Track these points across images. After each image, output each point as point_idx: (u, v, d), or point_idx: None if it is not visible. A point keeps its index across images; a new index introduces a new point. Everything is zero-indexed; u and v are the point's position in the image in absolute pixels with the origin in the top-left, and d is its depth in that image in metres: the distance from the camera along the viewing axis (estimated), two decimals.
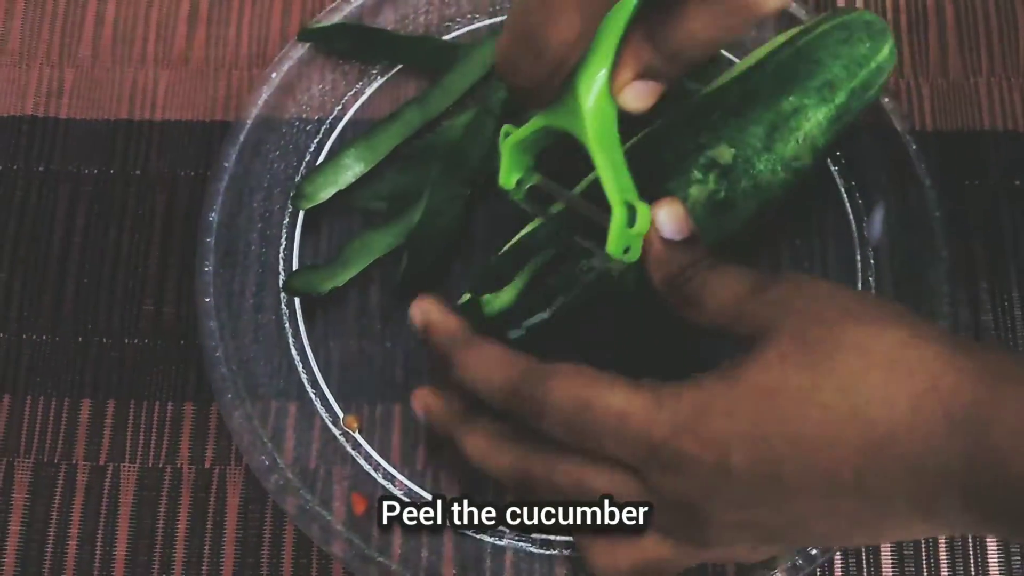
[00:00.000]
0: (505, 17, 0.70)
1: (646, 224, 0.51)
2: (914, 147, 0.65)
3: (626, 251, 0.52)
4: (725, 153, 0.58)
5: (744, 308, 0.48)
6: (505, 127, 0.55)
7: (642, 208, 0.51)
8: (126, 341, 0.66)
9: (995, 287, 0.66)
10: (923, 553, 0.61)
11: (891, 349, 0.44)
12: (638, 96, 0.51)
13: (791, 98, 0.60)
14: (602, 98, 0.50)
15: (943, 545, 0.61)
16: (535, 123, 0.53)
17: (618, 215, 0.50)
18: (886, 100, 0.66)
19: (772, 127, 0.59)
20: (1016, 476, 0.40)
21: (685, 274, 0.51)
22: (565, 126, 0.51)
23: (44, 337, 0.66)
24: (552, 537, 0.60)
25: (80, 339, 0.66)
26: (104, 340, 0.66)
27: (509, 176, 0.56)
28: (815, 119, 0.60)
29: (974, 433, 0.41)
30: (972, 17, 0.74)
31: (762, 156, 0.59)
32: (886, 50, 0.63)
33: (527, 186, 0.57)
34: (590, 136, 0.50)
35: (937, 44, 0.73)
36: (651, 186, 0.54)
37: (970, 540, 0.62)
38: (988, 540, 0.62)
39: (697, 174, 0.58)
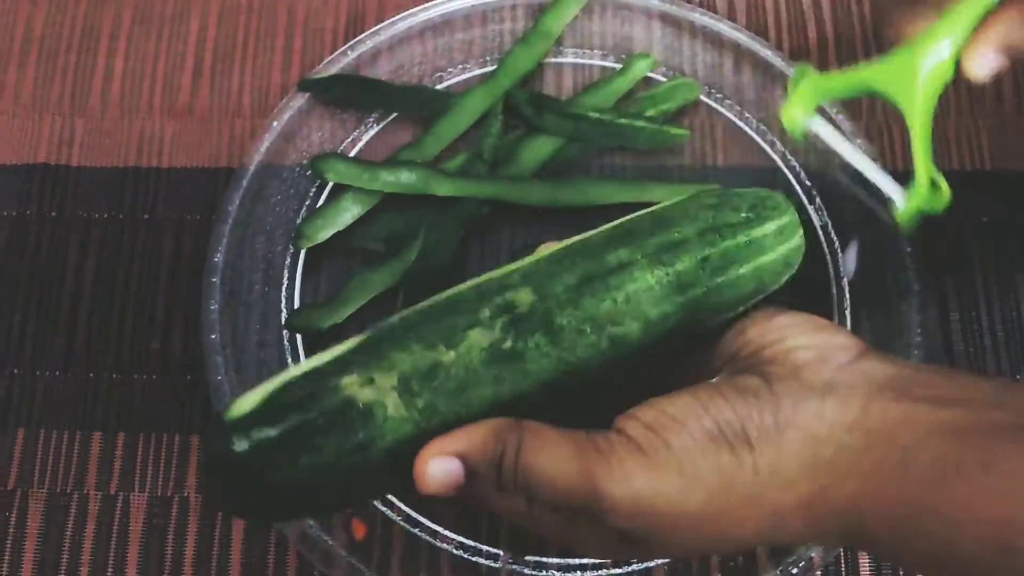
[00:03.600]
0: (496, 67, 0.73)
1: (939, 208, 0.55)
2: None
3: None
4: (523, 297, 0.47)
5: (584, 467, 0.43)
6: (801, 68, 0.58)
7: (944, 187, 0.54)
8: (135, 377, 0.68)
9: (964, 318, 0.69)
10: None
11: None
12: (984, 64, 0.53)
13: (620, 251, 0.49)
14: (939, 68, 0.52)
15: None
16: (851, 76, 0.55)
17: (922, 190, 0.54)
18: (859, 141, 0.69)
19: (585, 278, 0.48)
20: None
21: (500, 482, 0.44)
22: (886, 89, 0.53)
23: (57, 373, 0.69)
24: (546, 560, 0.62)
25: (91, 375, 0.68)
26: (114, 376, 0.68)
27: (793, 113, 0.58)
28: (644, 281, 0.48)
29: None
30: None
31: (565, 309, 0.47)
32: (786, 230, 0.52)
33: (804, 127, 0.59)
34: (918, 104, 0.52)
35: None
36: (435, 319, 0.47)
37: None
38: None
39: (485, 314, 0.47)
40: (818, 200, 0.70)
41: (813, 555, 0.60)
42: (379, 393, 0.45)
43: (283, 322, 0.68)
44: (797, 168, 0.72)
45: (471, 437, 0.44)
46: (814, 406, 0.42)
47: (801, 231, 0.53)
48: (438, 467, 0.43)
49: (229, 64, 0.77)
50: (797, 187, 0.71)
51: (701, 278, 0.49)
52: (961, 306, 0.70)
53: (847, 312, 0.68)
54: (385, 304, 0.68)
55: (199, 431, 0.67)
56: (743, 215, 0.51)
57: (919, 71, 0.51)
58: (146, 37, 0.78)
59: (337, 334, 0.67)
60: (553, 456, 0.43)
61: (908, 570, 0.44)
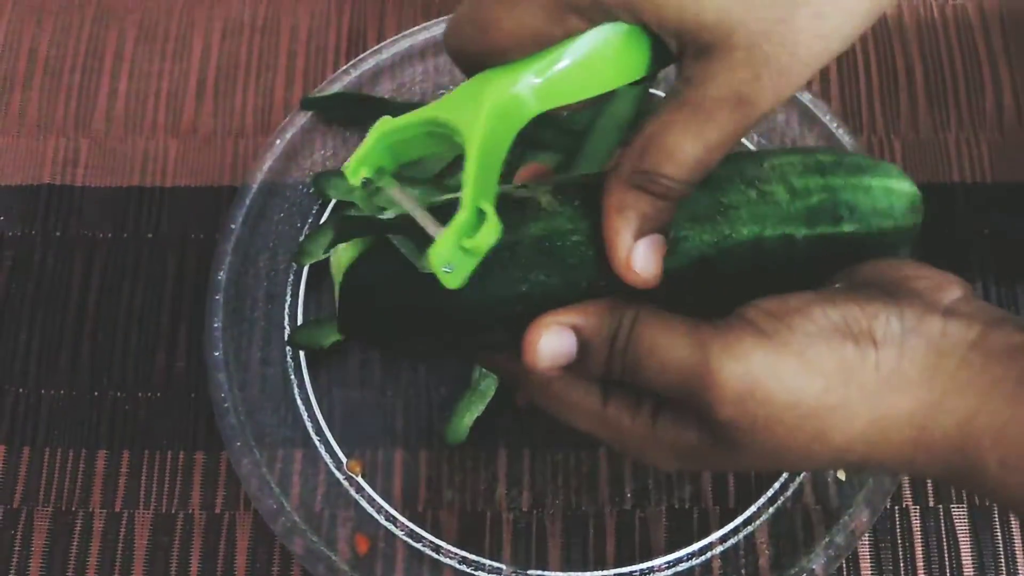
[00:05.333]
0: None
1: (488, 241, 0.42)
2: None
3: (447, 271, 0.41)
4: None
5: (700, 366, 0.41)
6: (385, 117, 0.46)
7: (493, 221, 0.42)
8: (139, 394, 0.69)
9: None
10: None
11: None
12: (650, 259, 0.44)
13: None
14: (518, 100, 0.44)
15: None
16: (421, 113, 0.45)
17: (462, 217, 0.41)
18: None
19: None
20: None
21: (608, 362, 0.43)
22: (450, 119, 0.44)
23: (62, 392, 0.69)
24: (547, 574, 0.63)
25: (96, 393, 0.69)
26: (119, 394, 0.69)
27: (357, 168, 0.46)
28: (787, 158, 0.50)
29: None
30: (940, 76, 0.78)
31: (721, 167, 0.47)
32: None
33: (372, 188, 0.47)
34: (479, 129, 0.42)
35: (908, 102, 0.77)
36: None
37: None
38: None
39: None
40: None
41: (815, 567, 0.60)
42: (530, 191, 0.46)
43: (286, 339, 0.68)
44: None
45: (587, 309, 0.43)
46: (938, 323, 0.41)
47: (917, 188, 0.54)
48: (552, 339, 0.43)
49: (232, 83, 0.78)
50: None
51: (838, 170, 0.50)
52: None
53: None
54: None
55: (203, 448, 0.67)
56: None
57: (489, 93, 0.43)
58: (150, 57, 0.79)
59: (339, 351, 0.68)
60: (668, 334, 0.41)
61: (1013, 506, 0.42)
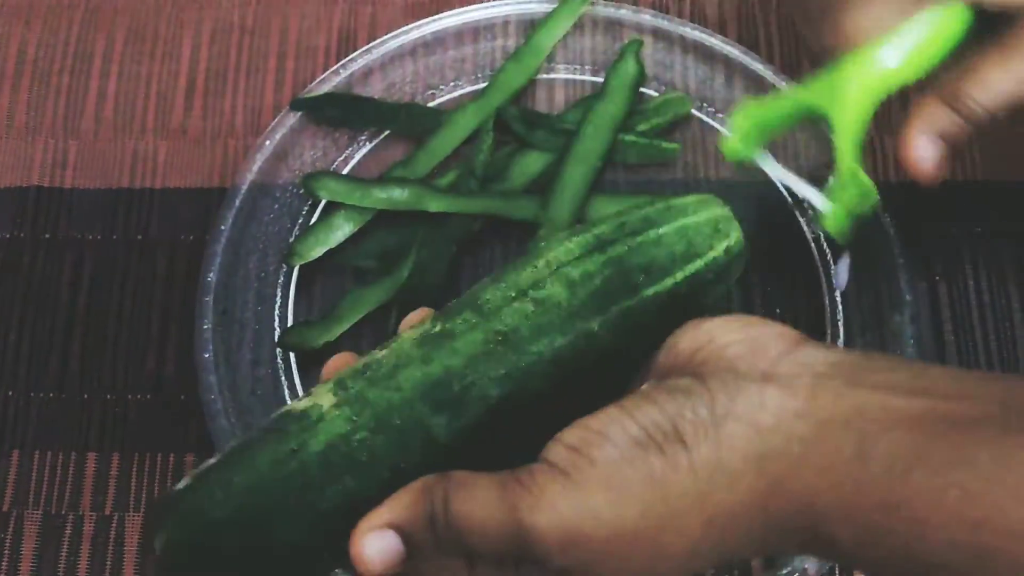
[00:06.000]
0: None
1: (870, 202, 0.57)
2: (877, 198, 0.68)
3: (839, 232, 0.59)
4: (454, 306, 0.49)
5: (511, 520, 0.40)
6: (749, 101, 0.60)
7: (869, 187, 0.56)
8: (129, 397, 0.68)
9: (958, 329, 0.69)
10: None
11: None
12: (930, 154, 0.55)
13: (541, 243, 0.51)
14: (872, 80, 0.55)
15: None
16: (783, 99, 0.60)
17: (846, 189, 0.56)
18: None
19: (509, 266, 0.50)
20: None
21: (437, 545, 0.42)
22: (818, 105, 0.56)
23: (51, 394, 0.69)
24: None
25: (86, 396, 0.68)
26: (109, 396, 0.68)
27: (735, 149, 0.60)
28: (562, 247, 0.49)
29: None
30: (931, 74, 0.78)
31: (488, 288, 0.49)
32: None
33: (748, 160, 0.61)
34: (848, 113, 0.55)
35: (898, 99, 0.76)
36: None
37: None
38: None
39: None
40: (810, 212, 0.71)
41: (807, 566, 0.60)
42: (315, 398, 0.45)
43: (277, 340, 0.68)
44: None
45: (397, 502, 0.42)
46: (754, 395, 0.39)
47: (724, 204, 0.52)
48: (374, 545, 0.41)
49: (222, 84, 0.78)
50: (789, 199, 0.71)
51: (620, 236, 0.48)
52: (954, 316, 0.70)
53: (840, 324, 0.68)
54: (378, 321, 0.68)
55: (194, 450, 0.67)
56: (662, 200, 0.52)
57: (851, 82, 0.54)
58: (139, 58, 0.79)
59: (330, 351, 0.67)
60: (479, 500, 0.40)
61: (876, 573, 0.40)
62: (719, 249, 0.50)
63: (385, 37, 0.74)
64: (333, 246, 0.69)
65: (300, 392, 0.67)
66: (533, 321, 0.46)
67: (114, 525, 0.65)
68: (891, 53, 0.54)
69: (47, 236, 0.73)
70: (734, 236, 0.51)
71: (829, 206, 0.58)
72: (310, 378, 0.67)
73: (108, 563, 0.64)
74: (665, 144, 0.72)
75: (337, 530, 0.42)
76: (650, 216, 0.49)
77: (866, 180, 0.55)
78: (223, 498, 0.42)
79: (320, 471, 0.43)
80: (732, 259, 0.51)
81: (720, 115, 0.74)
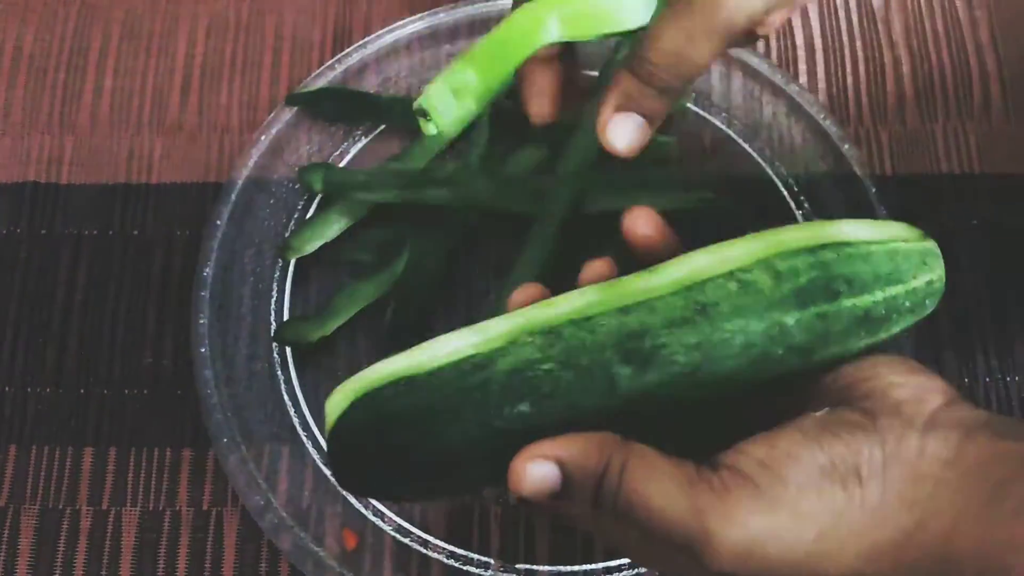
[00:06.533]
0: None
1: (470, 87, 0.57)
2: (874, 191, 0.68)
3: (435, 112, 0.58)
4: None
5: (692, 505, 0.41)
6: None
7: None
8: (126, 392, 0.68)
9: (954, 322, 0.69)
10: None
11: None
12: (621, 130, 0.54)
13: None
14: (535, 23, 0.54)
15: None
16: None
17: (463, 68, 0.57)
18: (846, 147, 0.69)
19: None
20: None
21: (596, 500, 0.43)
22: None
23: (48, 390, 0.69)
24: (536, 568, 0.63)
25: (82, 391, 0.69)
26: (105, 391, 0.68)
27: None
28: (777, 239, 0.48)
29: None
30: (927, 67, 0.78)
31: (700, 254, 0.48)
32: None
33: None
34: (505, 27, 0.55)
35: (895, 93, 0.77)
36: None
37: None
38: None
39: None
40: (806, 206, 0.71)
41: None
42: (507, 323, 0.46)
43: (272, 334, 0.68)
44: (785, 174, 0.72)
45: (574, 444, 0.43)
46: (916, 442, 0.41)
47: (932, 239, 0.51)
48: (537, 470, 0.42)
49: (217, 80, 0.78)
50: (784, 192, 0.71)
51: (832, 244, 0.47)
52: (950, 310, 0.70)
53: None
54: (374, 316, 0.68)
55: (190, 445, 0.67)
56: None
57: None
58: (135, 54, 0.79)
59: (326, 346, 0.68)
60: (662, 486, 0.41)
61: None
62: (922, 280, 0.49)
63: (380, 32, 0.74)
64: (329, 240, 0.69)
65: (296, 387, 0.67)
66: (734, 301, 0.45)
67: (111, 520, 0.65)
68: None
69: (43, 232, 0.73)
70: (938, 273, 0.50)
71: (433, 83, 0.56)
72: (306, 372, 0.67)
73: (105, 558, 0.64)
74: (661, 138, 0.72)
75: (502, 450, 0.43)
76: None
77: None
78: (406, 392, 0.44)
79: (501, 391, 0.44)
80: (931, 294, 0.50)
81: (715, 108, 0.74)
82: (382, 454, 0.44)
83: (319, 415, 0.66)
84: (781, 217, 0.70)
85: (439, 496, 0.52)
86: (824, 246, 0.47)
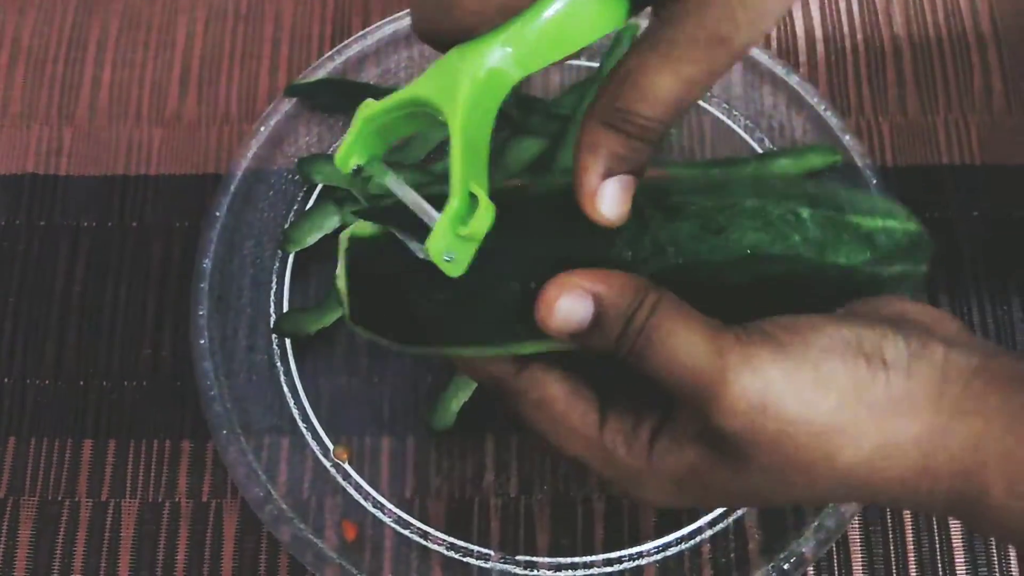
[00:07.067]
0: None
1: (483, 227, 0.41)
2: (875, 181, 0.68)
3: (448, 260, 0.42)
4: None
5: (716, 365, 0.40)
6: (367, 100, 0.45)
7: (485, 204, 0.41)
8: (125, 383, 0.68)
9: (956, 312, 0.69)
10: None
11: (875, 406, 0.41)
12: (616, 200, 0.43)
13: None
14: (497, 72, 0.42)
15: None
16: (403, 94, 0.43)
17: (454, 205, 0.41)
18: (847, 138, 0.69)
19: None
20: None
21: (619, 340, 0.42)
22: (433, 100, 0.42)
23: (47, 382, 0.69)
24: (536, 559, 0.63)
25: (81, 383, 0.69)
26: (104, 383, 0.68)
27: (347, 157, 0.45)
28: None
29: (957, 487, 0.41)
30: (928, 58, 0.78)
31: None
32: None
33: (365, 175, 0.46)
34: (460, 110, 0.41)
35: (896, 84, 0.77)
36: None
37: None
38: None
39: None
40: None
41: (805, 550, 0.60)
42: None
43: (272, 326, 0.68)
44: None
45: (609, 279, 0.42)
46: (940, 348, 0.41)
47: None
48: (570, 300, 0.41)
49: (216, 71, 0.78)
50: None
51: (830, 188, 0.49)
52: (952, 300, 0.70)
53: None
54: None
55: (189, 436, 0.67)
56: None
57: (464, 70, 0.42)
58: (133, 46, 0.79)
59: (325, 338, 0.67)
60: (687, 330, 0.40)
61: (1014, 536, 0.41)
62: (911, 226, 0.50)
63: (380, 23, 0.74)
64: (328, 232, 0.69)
65: (296, 378, 0.67)
66: (752, 187, 0.46)
67: (110, 511, 0.65)
68: (506, 44, 0.42)
69: (42, 223, 0.73)
70: (916, 227, 0.51)
71: (437, 221, 0.42)
72: (305, 364, 0.67)
73: (104, 549, 0.64)
74: None
75: (531, 267, 0.43)
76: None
77: (482, 196, 0.42)
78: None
79: (539, 199, 0.44)
80: (920, 240, 0.50)
81: (715, 98, 0.74)
82: (399, 268, 0.44)
83: (318, 406, 0.66)
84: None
85: (460, 336, 0.48)
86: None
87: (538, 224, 0.44)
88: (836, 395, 0.40)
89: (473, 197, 0.41)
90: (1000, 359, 0.41)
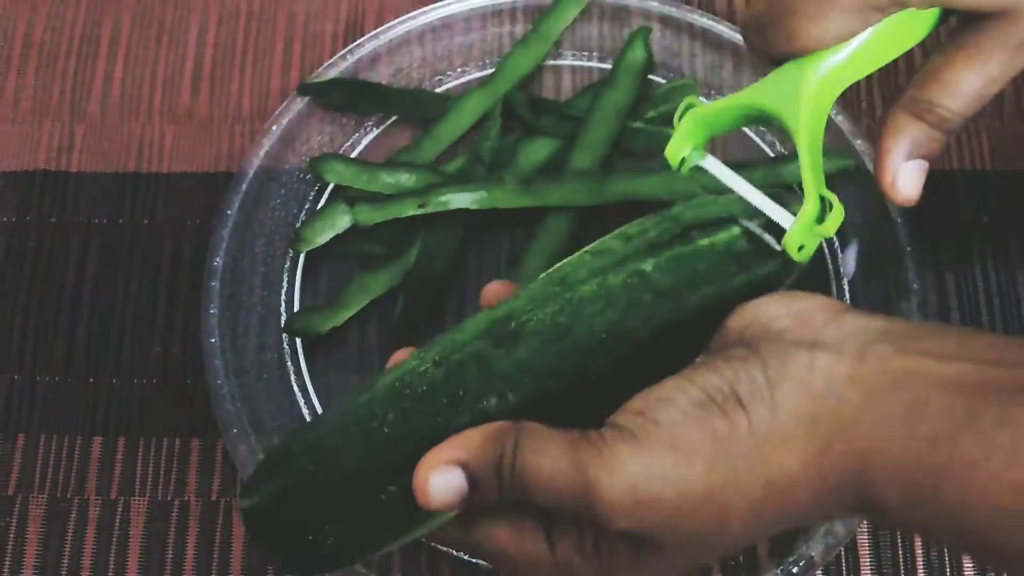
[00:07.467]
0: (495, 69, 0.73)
1: (834, 226, 0.47)
2: None
3: (800, 249, 0.48)
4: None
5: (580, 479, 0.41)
6: (688, 99, 0.51)
7: (837, 207, 0.47)
8: (135, 381, 0.68)
9: (965, 318, 0.69)
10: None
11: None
12: (912, 180, 0.50)
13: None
14: (827, 80, 0.48)
15: None
16: (738, 99, 0.50)
17: (810, 207, 0.47)
18: (859, 142, 0.69)
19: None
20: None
21: (500, 489, 0.43)
22: (770, 108, 0.49)
23: (57, 379, 0.69)
24: None
25: (91, 380, 0.68)
26: (114, 380, 0.68)
27: (678, 149, 0.51)
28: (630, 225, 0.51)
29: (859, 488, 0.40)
30: None
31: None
32: None
33: (693, 164, 0.52)
34: (803, 119, 0.48)
35: (907, 79, 0.76)
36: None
37: None
38: None
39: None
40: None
41: (814, 554, 0.59)
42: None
43: (283, 325, 0.68)
44: (796, 169, 0.71)
45: (467, 441, 0.43)
46: (804, 360, 0.40)
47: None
48: (440, 479, 0.42)
49: (228, 69, 0.77)
50: (796, 187, 0.71)
51: (680, 200, 0.52)
52: (962, 305, 0.69)
53: None
54: (384, 307, 0.68)
55: (199, 435, 0.67)
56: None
57: (803, 85, 0.48)
58: (145, 43, 0.79)
59: (337, 337, 0.67)
60: (548, 454, 0.41)
61: (923, 539, 0.41)
62: (765, 216, 0.50)
63: (393, 22, 0.74)
64: (340, 231, 0.69)
65: (306, 377, 0.67)
66: (589, 266, 0.48)
67: (120, 509, 0.65)
68: (848, 57, 0.48)
69: (53, 220, 0.73)
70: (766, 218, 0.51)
71: (790, 221, 0.48)
72: (316, 363, 0.67)
73: (113, 547, 0.64)
74: (670, 130, 0.71)
75: (400, 460, 0.44)
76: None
77: (834, 199, 0.47)
78: (308, 429, 0.49)
79: (383, 401, 0.46)
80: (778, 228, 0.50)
81: None
82: (299, 512, 0.47)
83: (329, 406, 0.66)
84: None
85: (369, 548, 0.51)
86: (671, 204, 0.51)
87: (394, 429, 0.46)
88: (702, 462, 0.40)
89: (823, 199, 0.47)
90: (876, 353, 0.40)
